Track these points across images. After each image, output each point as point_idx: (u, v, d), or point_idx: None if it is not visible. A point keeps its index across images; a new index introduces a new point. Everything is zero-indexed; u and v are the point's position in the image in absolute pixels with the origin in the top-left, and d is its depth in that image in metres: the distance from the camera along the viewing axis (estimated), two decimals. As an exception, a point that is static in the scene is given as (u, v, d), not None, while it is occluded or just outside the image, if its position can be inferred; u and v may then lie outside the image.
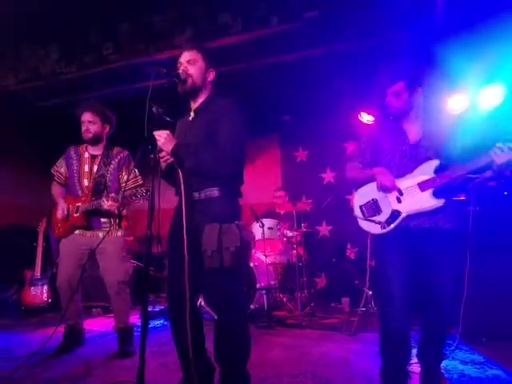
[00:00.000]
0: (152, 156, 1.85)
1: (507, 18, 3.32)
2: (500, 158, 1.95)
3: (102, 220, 3.05)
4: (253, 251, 4.56)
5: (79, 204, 3.01)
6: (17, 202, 5.50)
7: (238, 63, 4.11)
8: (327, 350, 3.01)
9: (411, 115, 2.30)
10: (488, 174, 2.09)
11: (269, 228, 4.57)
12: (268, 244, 4.53)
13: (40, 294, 4.35)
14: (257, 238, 4.55)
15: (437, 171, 2.17)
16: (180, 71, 2.01)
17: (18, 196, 5.52)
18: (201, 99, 2.10)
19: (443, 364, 2.58)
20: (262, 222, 4.43)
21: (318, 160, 6.00)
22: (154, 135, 1.89)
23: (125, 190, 2.88)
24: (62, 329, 2.96)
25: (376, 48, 3.78)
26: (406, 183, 2.24)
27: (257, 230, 4.53)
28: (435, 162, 2.17)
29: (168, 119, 1.92)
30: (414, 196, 2.20)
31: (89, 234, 3.04)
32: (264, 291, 4.14)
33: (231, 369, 1.92)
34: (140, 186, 3.02)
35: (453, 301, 2.24)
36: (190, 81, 2.03)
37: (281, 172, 6.30)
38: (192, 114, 2.10)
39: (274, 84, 4.86)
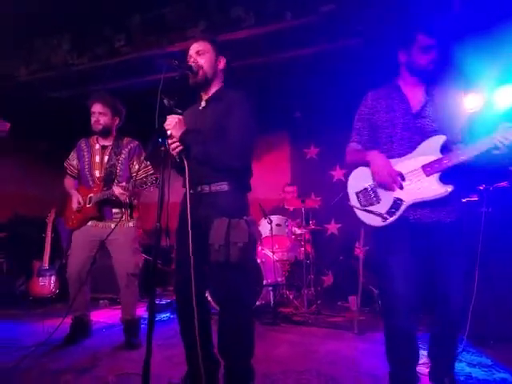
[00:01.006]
0: (162, 148, 1.84)
1: None
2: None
3: (114, 210, 3.06)
4: (260, 248, 4.55)
5: (91, 195, 3.03)
6: (25, 193, 5.54)
7: (249, 58, 4.08)
8: (333, 348, 2.99)
9: (422, 79, 2.05)
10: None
11: (277, 225, 4.55)
12: (276, 240, 4.51)
13: (48, 284, 4.39)
14: (265, 235, 4.54)
15: (444, 150, 1.89)
16: (191, 63, 2.00)
17: (27, 187, 5.57)
18: (213, 89, 2.09)
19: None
20: (270, 219, 4.41)
21: (328, 157, 5.95)
22: (164, 127, 1.87)
23: (136, 179, 2.88)
24: (69, 320, 2.98)
25: (391, 42, 3.71)
26: (409, 165, 1.94)
27: (265, 227, 4.52)
28: (442, 138, 1.89)
29: (179, 111, 1.91)
30: (418, 181, 1.91)
31: (101, 224, 3.05)
32: (271, 288, 4.13)
33: (236, 364, 1.92)
34: (151, 175, 3.01)
35: (464, 298, 2.10)
36: (201, 72, 2.01)
37: (290, 169, 6.27)
38: (203, 103, 2.09)
39: (285, 79, 4.82)
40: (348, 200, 2.13)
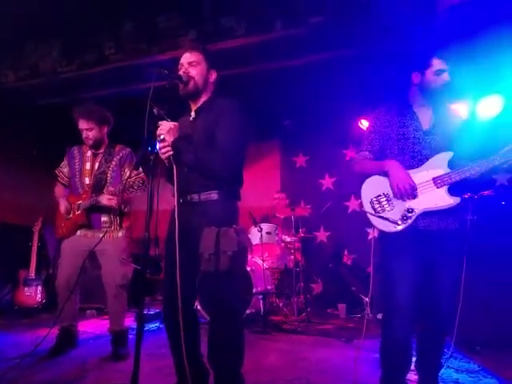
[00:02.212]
0: (151, 157, 1.84)
1: (506, 30, 3.34)
2: None
3: (103, 219, 3.02)
4: (250, 256, 4.55)
5: (80, 202, 3.01)
6: (15, 201, 5.45)
7: (240, 67, 4.12)
8: (323, 355, 2.99)
9: (427, 100, 2.22)
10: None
11: (267, 233, 4.57)
12: (266, 248, 4.52)
13: (34, 294, 4.32)
14: (255, 243, 4.54)
15: (451, 165, 2.07)
16: (181, 73, 2.00)
17: (16, 195, 5.48)
18: (202, 100, 2.09)
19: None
20: (260, 227, 4.42)
21: (318, 166, 6.00)
22: (153, 136, 1.87)
23: (123, 184, 2.85)
24: (55, 330, 2.93)
25: (378, 55, 3.79)
26: (420, 177, 2.10)
27: (255, 235, 4.52)
28: (449, 154, 2.08)
29: (169, 120, 1.91)
30: (428, 192, 2.08)
31: (90, 234, 3.01)
32: (261, 296, 4.12)
33: (225, 373, 1.90)
34: (143, 182, 3.01)
35: (453, 306, 2.22)
36: (192, 83, 2.01)
37: (280, 177, 6.30)
38: (193, 114, 2.09)
39: (275, 88, 4.87)
40: (362, 206, 2.25)
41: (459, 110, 4.32)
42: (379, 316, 3.89)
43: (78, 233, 3.02)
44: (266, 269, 4.47)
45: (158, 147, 1.89)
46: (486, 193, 3.22)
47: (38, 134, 5.38)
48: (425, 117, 2.23)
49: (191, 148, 1.91)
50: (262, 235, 4.39)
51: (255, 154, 6.12)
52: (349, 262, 5.58)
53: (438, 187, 2.07)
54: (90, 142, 3.04)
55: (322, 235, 5.83)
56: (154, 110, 1.84)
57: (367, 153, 2.33)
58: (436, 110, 2.23)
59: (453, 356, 2.89)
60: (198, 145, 1.94)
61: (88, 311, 4.61)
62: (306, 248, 5.16)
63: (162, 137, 1.88)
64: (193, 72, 2.02)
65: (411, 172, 2.12)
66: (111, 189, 2.86)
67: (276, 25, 3.54)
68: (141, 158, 1.88)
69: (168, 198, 1.99)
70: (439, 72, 2.16)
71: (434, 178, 2.08)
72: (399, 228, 2.08)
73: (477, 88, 4.16)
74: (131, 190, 2.77)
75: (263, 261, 4.37)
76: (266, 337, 3.63)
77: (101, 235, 2.92)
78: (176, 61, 2.10)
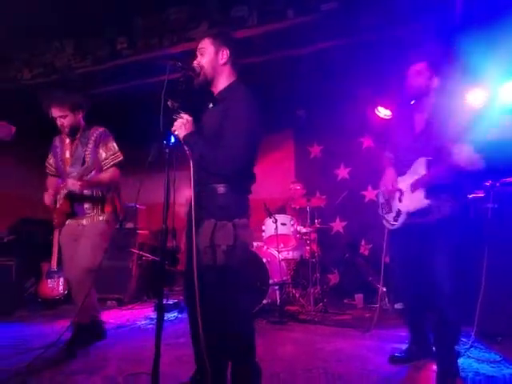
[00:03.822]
0: (167, 150, 1.85)
1: None
2: None
3: (86, 206, 2.93)
4: (265, 247, 4.56)
5: (63, 190, 2.95)
6: (30, 196, 5.58)
7: (252, 57, 4.08)
8: (340, 346, 2.99)
9: (424, 101, 2.37)
10: None
11: (282, 224, 4.55)
12: (281, 239, 4.51)
13: (56, 286, 4.42)
14: (270, 234, 4.54)
15: (430, 167, 2.26)
16: (195, 64, 1.99)
17: (32, 190, 5.60)
18: (221, 86, 2.02)
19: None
20: (275, 218, 4.41)
21: (333, 155, 5.94)
22: (169, 129, 1.88)
23: (87, 168, 2.78)
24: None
25: (394, 40, 3.71)
26: (405, 183, 2.40)
27: (270, 226, 4.52)
28: (424, 160, 2.27)
29: (183, 113, 1.91)
30: (409, 196, 2.37)
31: (74, 222, 2.95)
32: (277, 287, 4.14)
33: (240, 363, 1.93)
34: (119, 163, 2.92)
35: (456, 294, 2.24)
36: (202, 72, 1.98)
37: (294, 167, 6.27)
38: (211, 104, 2.06)
39: (289, 78, 4.81)
40: (378, 208, 2.71)
41: (478, 95, 4.21)
42: (397, 306, 3.87)
43: (68, 222, 2.97)
44: (282, 260, 4.47)
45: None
46: (508, 179, 3.13)
47: (52, 129, 5.46)
48: (419, 119, 2.39)
49: (200, 143, 1.89)
50: (277, 226, 4.38)
51: (269, 144, 6.08)
52: (366, 253, 5.54)
53: (412, 191, 2.34)
54: (66, 130, 2.94)
55: (338, 225, 5.79)
56: (169, 103, 1.84)
57: (388, 152, 2.62)
58: (433, 111, 2.34)
59: (473, 346, 2.86)
60: (206, 139, 1.91)
61: (108, 302, 4.72)
62: (322, 238, 5.14)
63: (176, 133, 1.89)
64: (202, 60, 1.99)
65: (400, 179, 2.43)
66: (74, 174, 2.79)
67: (288, 13, 3.50)
68: (156, 151, 1.90)
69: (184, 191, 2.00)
70: (418, 72, 2.33)
71: (411, 183, 2.35)
72: (393, 227, 2.51)
73: (499, 72, 4.03)
74: (105, 167, 2.80)
75: (279, 252, 4.38)
76: (282, 327, 3.65)
77: (84, 221, 2.90)
78: (188, 53, 2.10)
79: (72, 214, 2.94)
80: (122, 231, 5.10)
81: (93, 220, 2.91)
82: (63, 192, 2.91)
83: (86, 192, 2.86)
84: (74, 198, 2.92)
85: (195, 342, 1.96)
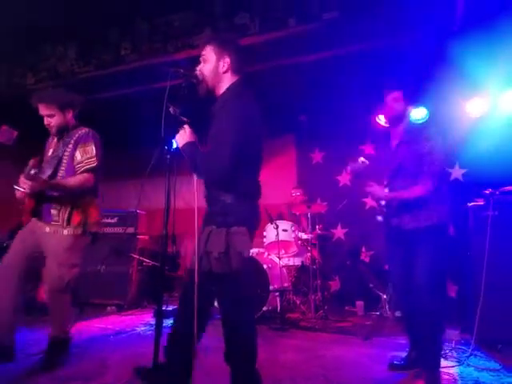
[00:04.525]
0: (168, 156, 1.86)
1: None
2: None
3: (52, 211, 2.66)
4: (266, 253, 4.55)
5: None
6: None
7: (254, 64, 4.11)
8: (340, 353, 2.98)
9: (399, 127, 2.63)
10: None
11: (283, 230, 4.55)
12: (282, 246, 4.51)
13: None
14: (271, 240, 4.54)
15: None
16: (197, 72, 1.99)
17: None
18: (220, 94, 2.02)
19: (456, 370, 2.55)
20: (276, 224, 4.41)
21: (334, 162, 5.93)
22: (170, 135, 1.89)
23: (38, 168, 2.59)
24: (79, 325, 2.92)
25: (394, 48, 3.74)
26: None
27: (271, 232, 4.52)
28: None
29: (185, 119, 1.92)
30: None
31: (39, 225, 2.68)
32: (277, 293, 4.12)
33: (239, 370, 1.92)
34: (92, 168, 2.68)
35: (432, 297, 2.37)
36: (204, 80, 1.99)
37: (296, 173, 6.27)
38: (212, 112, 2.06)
39: (291, 84, 4.84)
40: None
41: (478, 104, 4.21)
42: (397, 313, 3.85)
43: (33, 220, 2.72)
44: (283, 266, 4.46)
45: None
46: (507, 188, 3.14)
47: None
48: (394, 139, 2.67)
49: (196, 153, 1.89)
50: (278, 232, 4.38)
51: (271, 150, 6.10)
52: (367, 259, 5.53)
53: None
54: (53, 130, 2.77)
55: (339, 232, 5.78)
56: (170, 109, 1.85)
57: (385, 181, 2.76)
58: (405, 135, 2.60)
59: (473, 354, 2.84)
60: (207, 148, 1.92)
61: (108, 307, 4.70)
62: (323, 245, 5.13)
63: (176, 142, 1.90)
64: (204, 68, 1.99)
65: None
66: (27, 173, 2.58)
67: (290, 21, 3.53)
68: (158, 156, 1.91)
69: (183, 196, 2.01)
70: (395, 100, 2.59)
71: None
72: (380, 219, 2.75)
73: (499, 81, 4.04)
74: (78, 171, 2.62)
75: (279, 258, 4.37)
76: (283, 334, 3.63)
77: (47, 229, 2.64)
78: (191, 59, 2.11)
79: (37, 213, 2.69)
80: (123, 236, 5.12)
81: (56, 233, 2.62)
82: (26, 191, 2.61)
83: (49, 192, 2.62)
84: (39, 198, 2.66)
85: (173, 336, 1.92)
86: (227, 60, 1.98)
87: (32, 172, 2.61)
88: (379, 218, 2.74)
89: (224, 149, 1.79)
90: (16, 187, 2.57)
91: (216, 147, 1.84)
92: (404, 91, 2.57)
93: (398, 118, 2.62)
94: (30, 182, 2.48)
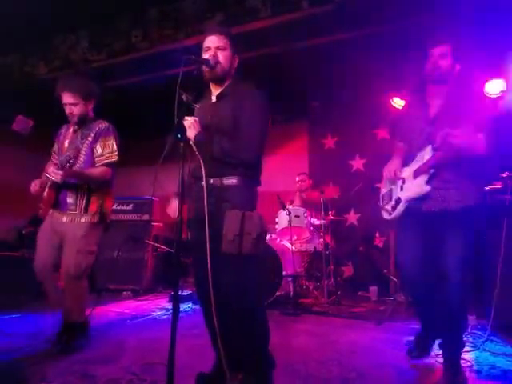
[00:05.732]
0: (182, 144, 1.86)
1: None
2: None
3: (69, 200, 2.71)
4: (278, 239, 4.57)
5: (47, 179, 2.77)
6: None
7: (267, 48, 4.06)
8: (354, 338, 2.99)
9: (441, 87, 2.28)
10: None
11: (296, 216, 4.55)
12: (294, 232, 4.51)
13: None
14: (283, 226, 4.54)
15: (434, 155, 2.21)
16: (210, 57, 1.99)
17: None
18: (225, 84, 2.08)
19: (472, 355, 2.53)
20: (288, 210, 4.41)
21: (347, 147, 5.88)
22: (183, 122, 1.89)
23: (67, 160, 2.64)
24: (98, 310, 2.96)
25: (409, 31, 3.63)
26: (408, 171, 2.37)
27: (283, 218, 4.52)
28: (429, 147, 2.21)
29: (197, 106, 1.91)
30: (410, 183, 2.34)
31: (56, 215, 2.75)
32: (290, 278, 4.15)
33: (253, 353, 1.95)
34: (113, 162, 2.75)
35: (464, 283, 2.19)
36: (219, 67, 2.00)
37: (308, 159, 6.23)
38: (214, 98, 2.09)
39: (303, 69, 4.77)
40: (378, 201, 2.72)
41: (496, 85, 4.10)
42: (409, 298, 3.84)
43: (51, 211, 2.79)
44: (295, 252, 4.47)
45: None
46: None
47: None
48: (434, 104, 2.30)
49: (214, 138, 1.95)
50: (290, 218, 4.38)
51: (283, 136, 6.06)
52: (380, 245, 5.51)
53: (414, 178, 2.31)
54: (75, 119, 2.78)
55: (352, 217, 5.76)
56: (183, 97, 1.85)
57: (400, 143, 2.53)
58: (449, 96, 2.25)
59: (489, 339, 2.83)
60: (220, 132, 1.97)
61: (124, 293, 4.80)
62: (336, 231, 5.12)
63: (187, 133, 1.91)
64: (220, 56, 2.00)
65: (407, 168, 2.38)
66: (56, 162, 2.68)
67: (302, 3, 3.45)
68: (171, 144, 1.91)
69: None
70: (441, 56, 2.21)
71: (414, 170, 2.32)
72: (391, 216, 2.49)
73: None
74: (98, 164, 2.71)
75: (292, 244, 4.38)
76: (296, 319, 3.66)
77: (64, 219, 2.70)
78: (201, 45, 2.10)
79: (56, 204, 2.76)
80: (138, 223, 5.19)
81: (73, 221, 2.69)
82: (48, 181, 2.72)
83: (69, 181, 2.66)
84: (59, 188, 2.73)
85: (212, 333, 1.99)
86: (237, 59, 2.11)
87: (67, 165, 2.68)
88: (386, 215, 2.56)
89: (258, 132, 1.96)
90: (47, 175, 2.64)
91: (250, 129, 1.95)
92: (452, 46, 2.20)
93: (442, 77, 2.24)
94: (61, 172, 2.54)
